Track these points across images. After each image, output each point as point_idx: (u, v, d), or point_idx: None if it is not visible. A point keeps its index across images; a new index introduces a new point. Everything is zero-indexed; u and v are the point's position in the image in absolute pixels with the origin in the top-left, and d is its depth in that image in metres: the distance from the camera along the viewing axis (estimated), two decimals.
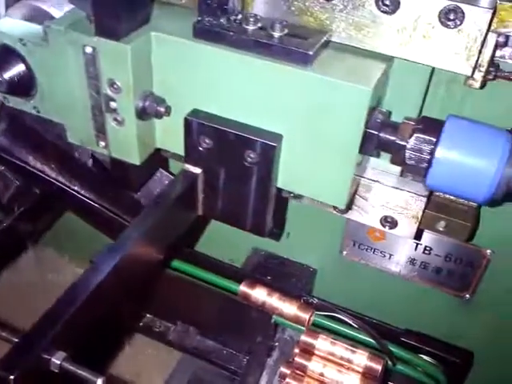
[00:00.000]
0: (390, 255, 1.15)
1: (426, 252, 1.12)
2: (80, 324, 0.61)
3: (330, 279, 1.22)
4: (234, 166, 0.80)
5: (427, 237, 1.08)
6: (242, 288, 0.97)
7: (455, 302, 1.13)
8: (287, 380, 0.91)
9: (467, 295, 1.13)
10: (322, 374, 0.91)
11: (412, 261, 1.14)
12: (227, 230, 1.22)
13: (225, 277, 1.01)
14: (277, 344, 1.01)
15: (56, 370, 0.58)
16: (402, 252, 1.14)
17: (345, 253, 1.20)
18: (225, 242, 1.25)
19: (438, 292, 1.13)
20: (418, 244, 1.12)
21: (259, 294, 0.96)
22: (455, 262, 1.10)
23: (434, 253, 1.11)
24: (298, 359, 0.91)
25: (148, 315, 1.12)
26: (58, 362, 0.58)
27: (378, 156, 0.82)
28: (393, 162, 0.78)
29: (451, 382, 0.94)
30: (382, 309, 1.11)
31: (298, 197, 0.90)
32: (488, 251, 1.05)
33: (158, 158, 0.92)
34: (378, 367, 0.89)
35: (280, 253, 1.25)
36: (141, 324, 1.10)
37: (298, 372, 0.92)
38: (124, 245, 0.71)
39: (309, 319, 0.93)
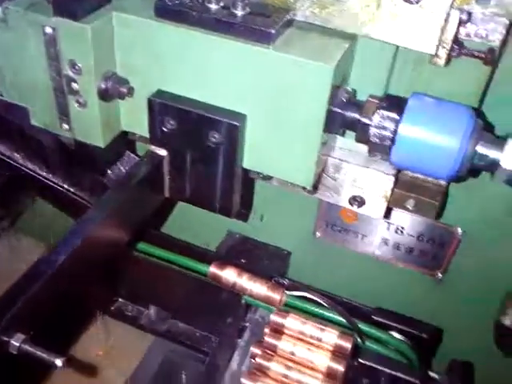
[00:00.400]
0: (363, 236, 1.16)
1: (399, 232, 1.12)
2: (40, 305, 0.61)
3: (304, 261, 1.23)
4: (199, 146, 0.80)
5: (399, 217, 1.08)
6: (212, 269, 0.97)
7: (428, 281, 1.14)
8: (257, 360, 0.91)
9: (439, 274, 1.14)
10: (292, 353, 0.91)
11: (385, 241, 1.15)
12: (201, 214, 1.22)
13: (196, 259, 1.01)
14: (248, 325, 1.01)
15: (15, 352, 0.58)
16: (374, 232, 1.14)
17: (318, 234, 1.21)
18: (199, 226, 1.25)
19: (410, 272, 1.13)
20: (390, 224, 1.12)
21: (229, 275, 0.96)
22: (427, 241, 1.11)
23: (407, 233, 1.12)
24: (268, 339, 0.91)
25: (120, 299, 1.11)
26: (17, 344, 0.58)
27: (343, 134, 0.82)
28: (358, 140, 0.78)
29: (421, 357, 0.95)
30: (356, 289, 1.11)
31: (267, 178, 0.89)
32: (459, 230, 1.05)
33: (124, 141, 0.91)
34: (348, 345, 0.90)
35: (254, 236, 1.25)
36: (113, 308, 1.10)
37: (268, 352, 0.92)
38: (86, 225, 0.71)
39: (279, 299, 0.94)
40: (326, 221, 1.18)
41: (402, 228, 1.11)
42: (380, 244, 1.15)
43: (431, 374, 0.96)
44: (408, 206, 0.92)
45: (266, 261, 1.21)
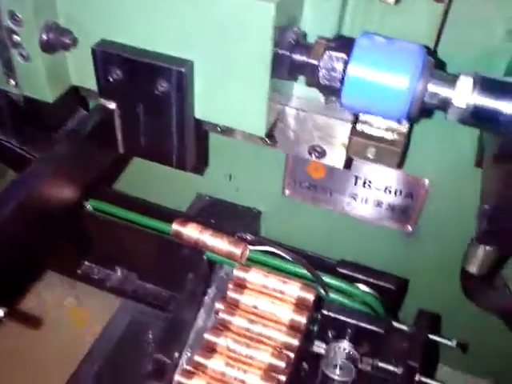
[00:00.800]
0: (331, 191, 1.15)
1: (366, 186, 1.11)
2: None
3: (275, 220, 1.22)
4: (148, 97, 0.78)
5: (367, 170, 1.07)
6: (174, 227, 0.96)
7: (398, 235, 1.13)
8: (220, 315, 0.90)
9: (409, 227, 1.13)
10: (255, 307, 0.91)
11: (353, 196, 1.13)
12: (170, 177, 1.21)
13: (162, 220, 0.99)
14: (213, 282, 1.00)
15: None
16: (342, 188, 1.13)
17: (287, 192, 1.19)
18: (168, 188, 1.23)
19: (381, 227, 1.12)
20: (357, 178, 1.10)
21: (191, 231, 0.95)
22: (395, 194, 1.10)
23: (374, 186, 1.10)
24: (230, 294, 0.91)
25: (86, 262, 1.10)
26: None
27: (295, 79, 0.80)
28: (308, 83, 0.76)
29: (387, 308, 0.94)
30: (327, 246, 1.10)
31: (226, 132, 0.88)
32: (426, 181, 1.04)
33: (77, 98, 0.89)
34: (310, 297, 0.89)
35: (224, 197, 1.24)
36: (79, 271, 1.09)
37: (231, 306, 0.91)
38: (30, 179, 0.69)
39: (241, 254, 0.92)
40: (293, 178, 1.17)
41: (370, 182, 1.10)
42: (348, 199, 1.14)
43: (399, 325, 0.95)
44: (369, 155, 0.91)
45: (236, 221, 1.20)
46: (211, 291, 0.99)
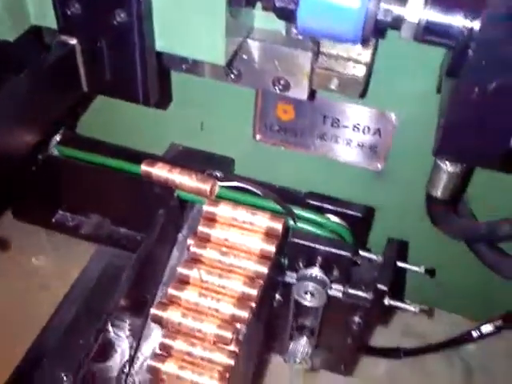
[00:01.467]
0: (301, 133, 1.16)
1: (335, 125, 1.12)
2: None
3: (247, 166, 1.23)
4: (107, 29, 0.78)
5: (334, 109, 1.08)
6: (143, 167, 0.97)
7: (368, 174, 1.15)
8: (192, 249, 0.91)
9: (379, 165, 1.15)
10: (226, 239, 0.92)
11: (322, 136, 1.15)
12: (141, 126, 1.22)
13: (129, 161, 1.00)
14: (185, 222, 1.01)
15: None
16: (311, 128, 1.14)
17: (258, 137, 1.20)
18: (139, 139, 1.24)
19: (351, 166, 1.14)
20: (325, 117, 1.12)
21: (160, 171, 0.96)
22: (363, 131, 1.11)
23: (342, 124, 1.12)
24: (201, 228, 0.92)
25: (60, 211, 1.11)
26: None
27: (253, 6, 0.81)
28: (264, 7, 0.77)
29: (355, 237, 0.96)
30: (297, 187, 1.12)
31: (192, 69, 0.89)
32: (392, 115, 1.06)
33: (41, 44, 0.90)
34: (279, 226, 0.90)
35: (197, 146, 1.25)
36: (53, 220, 1.10)
37: (202, 241, 0.92)
38: None
39: (211, 190, 0.94)
40: (264, 122, 1.18)
41: (338, 120, 1.12)
42: (318, 139, 1.16)
43: (368, 254, 0.97)
44: (332, 87, 0.92)
45: (210, 169, 1.21)
46: (184, 230, 1.01)
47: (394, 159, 1.11)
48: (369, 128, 1.10)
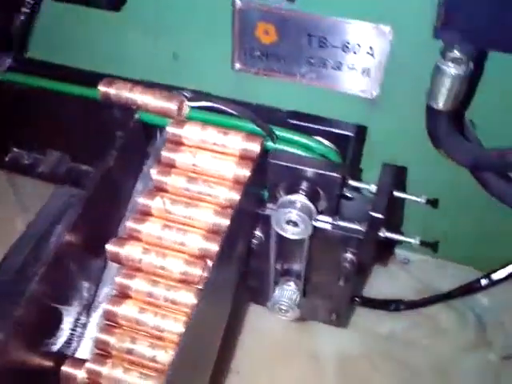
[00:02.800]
0: (285, 58, 1.02)
1: (322, 45, 0.98)
2: None
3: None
4: None
5: (320, 25, 0.95)
6: (101, 88, 0.84)
7: (361, 103, 1.01)
8: (154, 176, 0.79)
9: (373, 92, 1.01)
10: (194, 165, 0.79)
11: (309, 60, 1.01)
12: (106, 53, 1.08)
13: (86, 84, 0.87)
14: (151, 151, 0.88)
15: None
16: (296, 51, 1.00)
17: (238, 66, 1.07)
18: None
19: (342, 95, 1.00)
20: (311, 37, 0.98)
21: (119, 91, 0.83)
22: (354, 51, 0.97)
23: (330, 43, 0.98)
24: (165, 153, 0.79)
25: (15, 149, 0.99)
26: None
27: None
28: None
29: (344, 155, 0.83)
30: None
31: None
32: (388, 29, 0.92)
33: None
34: (255, 147, 0.78)
35: (171, 80, 1.11)
36: (7, 159, 0.97)
37: (167, 167, 0.80)
38: None
39: (178, 109, 0.81)
40: (243, 48, 1.04)
41: (325, 39, 0.98)
42: (304, 65, 1.02)
43: (361, 184, 0.84)
44: None
45: None
46: (149, 162, 0.88)
47: (390, 83, 0.98)
48: (360, 46, 0.97)
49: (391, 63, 0.94)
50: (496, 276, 1.09)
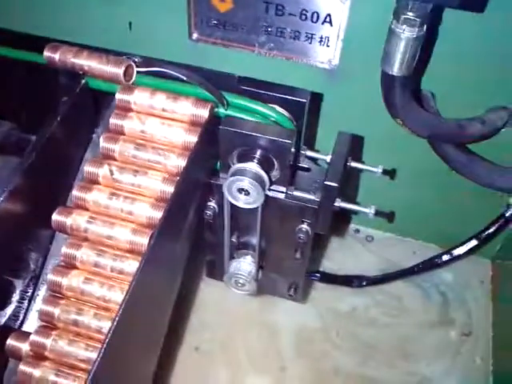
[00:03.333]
0: (242, 26, 1.00)
1: (279, 13, 0.96)
2: None
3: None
4: None
5: None
6: (46, 53, 0.80)
7: (320, 75, 0.99)
8: (101, 144, 0.76)
9: (332, 63, 0.99)
10: (142, 131, 0.77)
11: (266, 29, 0.99)
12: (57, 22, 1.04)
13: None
14: (101, 122, 0.85)
15: None
16: (253, 20, 0.98)
17: (195, 36, 1.04)
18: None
19: (299, 65, 0.98)
20: (268, 4, 0.96)
21: (64, 55, 0.80)
22: (312, 19, 0.95)
23: (288, 12, 0.95)
24: (112, 120, 0.76)
25: None
26: None
27: None
28: None
29: (298, 123, 0.81)
30: None
31: None
32: None
33: None
34: (205, 112, 0.75)
35: (126, 49, 1.08)
36: None
37: (115, 135, 0.77)
38: None
39: (124, 73, 0.78)
40: (199, 16, 1.01)
41: (282, 7, 0.95)
42: (262, 35, 0.99)
43: (315, 153, 0.83)
44: None
45: None
46: (99, 130, 0.84)
47: (349, 53, 0.95)
48: (318, 14, 0.94)
49: (350, 32, 0.92)
50: (457, 251, 1.09)
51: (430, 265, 1.12)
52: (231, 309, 1.11)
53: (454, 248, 1.10)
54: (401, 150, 0.98)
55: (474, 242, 1.07)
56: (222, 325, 1.10)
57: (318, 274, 1.10)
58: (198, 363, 1.07)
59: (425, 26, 0.73)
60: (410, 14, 0.72)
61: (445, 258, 1.11)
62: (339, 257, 1.22)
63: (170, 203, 0.69)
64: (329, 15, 0.93)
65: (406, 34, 0.73)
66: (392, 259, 1.21)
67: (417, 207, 1.13)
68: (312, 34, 0.96)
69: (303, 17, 0.94)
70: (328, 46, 0.97)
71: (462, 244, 1.09)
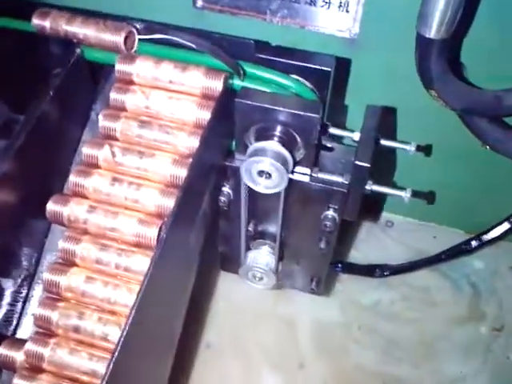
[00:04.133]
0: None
1: None
2: None
3: None
4: None
5: None
6: (35, 21, 0.70)
7: (340, 44, 0.89)
8: (101, 122, 0.66)
9: (352, 30, 0.89)
10: (147, 107, 0.68)
11: None
12: None
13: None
14: (99, 96, 0.75)
15: None
16: None
17: (200, 3, 0.94)
18: None
19: (317, 35, 0.88)
20: None
21: (55, 23, 0.69)
22: None
23: None
24: (113, 95, 0.68)
25: None
26: None
27: None
28: None
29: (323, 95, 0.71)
30: None
31: None
32: None
33: None
34: (218, 83, 0.65)
35: (129, 13, 0.97)
36: None
37: (116, 111, 0.67)
38: None
39: (125, 40, 0.68)
40: None
41: None
42: (274, 0, 0.89)
43: (342, 131, 0.73)
44: None
45: None
46: (97, 106, 0.74)
47: (371, 19, 0.86)
48: None
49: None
50: (488, 236, 1.01)
51: (458, 252, 1.03)
52: (245, 302, 1.02)
53: (485, 233, 1.01)
54: (430, 125, 0.89)
55: (506, 226, 0.98)
56: (234, 319, 1.01)
57: (339, 265, 1.01)
58: (210, 360, 0.99)
59: None
60: None
61: (474, 244, 1.03)
62: (357, 244, 1.13)
63: (183, 189, 0.59)
64: None
65: None
66: (415, 245, 1.12)
67: (444, 188, 1.04)
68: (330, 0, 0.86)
69: None
70: (348, 11, 0.87)
71: (493, 228, 1.00)
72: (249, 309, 1.03)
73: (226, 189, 0.76)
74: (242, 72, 0.69)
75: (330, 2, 0.87)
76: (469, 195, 1.05)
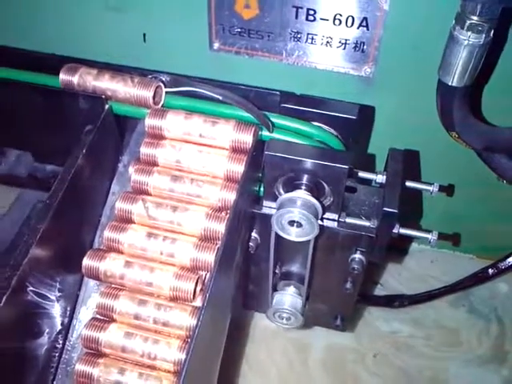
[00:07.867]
0: (269, 34, 0.91)
1: (311, 18, 0.88)
2: None
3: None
4: None
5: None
6: (63, 76, 0.71)
7: (355, 82, 0.91)
8: (132, 176, 0.67)
9: (367, 69, 0.91)
10: (177, 161, 0.68)
11: (295, 36, 0.90)
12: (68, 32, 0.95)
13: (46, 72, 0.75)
14: (126, 145, 0.76)
15: None
16: (281, 26, 0.89)
17: (216, 45, 0.95)
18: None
19: (333, 74, 0.90)
20: (298, 9, 0.87)
21: (83, 78, 0.70)
22: (346, 23, 0.87)
23: (320, 16, 0.87)
24: (143, 149, 0.67)
25: None
26: None
27: None
28: None
29: (348, 146, 0.73)
30: None
31: None
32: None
33: None
34: (248, 137, 0.66)
35: (139, 63, 0.99)
36: None
37: (147, 166, 0.68)
38: None
39: (154, 96, 0.69)
40: (221, 24, 0.93)
41: (314, 12, 0.87)
42: (291, 41, 0.91)
43: (367, 174, 0.74)
44: None
45: None
46: (125, 158, 0.76)
47: (387, 59, 0.87)
48: (353, 18, 0.86)
49: (388, 35, 0.84)
50: (504, 264, 1.02)
51: (477, 279, 1.05)
52: (254, 321, 1.02)
53: (501, 260, 1.02)
54: (454, 163, 0.90)
55: None
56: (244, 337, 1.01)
57: (359, 297, 1.02)
58: None
59: (492, 32, 0.65)
60: (477, 18, 0.64)
61: (491, 271, 1.04)
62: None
63: (223, 245, 0.60)
64: (365, 19, 0.85)
65: (472, 40, 0.65)
66: (429, 273, 1.14)
67: (461, 219, 1.05)
68: (346, 40, 0.88)
69: (337, 22, 0.86)
70: (363, 51, 0.89)
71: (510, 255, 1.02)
72: (257, 326, 1.02)
73: (254, 234, 0.77)
74: (270, 124, 0.70)
75: (346, 43, 0.88)
76: (483, 223, 1.07)
